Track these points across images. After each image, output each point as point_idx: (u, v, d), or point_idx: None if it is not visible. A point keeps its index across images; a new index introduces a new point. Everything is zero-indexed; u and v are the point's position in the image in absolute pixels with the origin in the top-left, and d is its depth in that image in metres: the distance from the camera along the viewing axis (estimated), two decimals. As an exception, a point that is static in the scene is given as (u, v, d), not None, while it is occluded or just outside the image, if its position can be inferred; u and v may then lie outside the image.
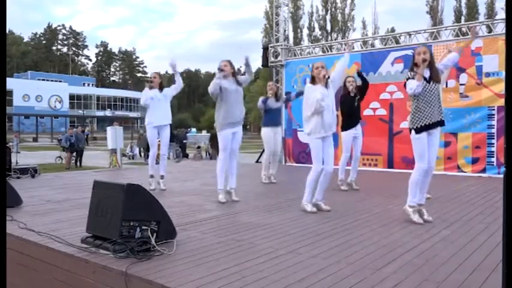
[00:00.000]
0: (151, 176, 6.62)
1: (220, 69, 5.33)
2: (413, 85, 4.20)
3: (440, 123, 4.31)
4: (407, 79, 4.29)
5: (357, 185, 6.60)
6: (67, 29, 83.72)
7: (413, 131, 4.30)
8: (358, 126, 6.52)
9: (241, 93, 5.52)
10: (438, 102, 4.27)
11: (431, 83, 4.26)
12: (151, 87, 6.46)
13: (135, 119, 61.28)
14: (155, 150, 6.64)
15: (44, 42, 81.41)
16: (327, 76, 4.81)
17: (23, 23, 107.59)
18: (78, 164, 16.51)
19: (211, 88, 5.31)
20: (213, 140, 17.34)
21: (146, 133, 6.67)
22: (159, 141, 6.70)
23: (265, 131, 7.41)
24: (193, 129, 28.17)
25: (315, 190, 4.94)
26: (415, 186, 4.37)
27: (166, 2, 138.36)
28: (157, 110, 6.46)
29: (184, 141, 20.90)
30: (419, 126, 4.25)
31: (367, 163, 9.58)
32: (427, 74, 4.27)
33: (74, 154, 16.57)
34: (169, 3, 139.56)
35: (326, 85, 4.84)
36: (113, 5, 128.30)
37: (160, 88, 6.54)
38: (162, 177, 6.61)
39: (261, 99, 7.42)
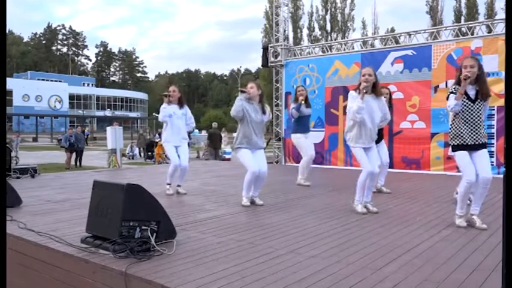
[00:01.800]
0: (169, 184, 6.32)
1: (242, 91, 5.25)
2: (452, 103, 3.99)
3: (478, 146, 4.02)
4: (450, 93, 4.08)
5: (387, 189, 6.41)
6: (67, 29, 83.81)
7: (450, 147, 4.24)
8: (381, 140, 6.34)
9: (262, 123, 5.39)
10: (479, 123, 4.02)
11: (477, 102, 3.99)
12: (169, 102, 6.10)
13: (135, 119, 61.28)
14: (176, 164, 6.14)
15: (43, 42, 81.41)
16: (368, 84, 4.70)
17: (23, 23, 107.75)
18: (78, 164, 16.50)
19: (233, 112, 5.24)
20: (211, 139, 17.42)
21: (164, 147, 6.32)
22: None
23: (298, 137, 7.25)
24: (196, 130, 28.35)
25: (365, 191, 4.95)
26: (461, 199, 4.20)
27: (166, 2, 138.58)
28: (176, 130, 6.13)
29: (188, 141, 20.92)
30: (453, 144, 4.14)
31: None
32: (472, 91, 4.02)
33: (74, 154, 16.56)
34: (169, 3, 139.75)
35: (377, 95, 4.83)
36: (113, 4, 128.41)
37: (180, 103, 6.20)
38: (179, 185, 6.31)
39: (293, 106, 7.11)
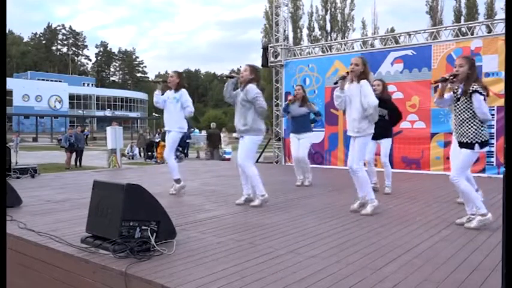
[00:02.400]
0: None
1: (230, 76, 5.25)
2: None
3: (460, 144, 4.01)
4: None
5: (389, 189, 6.42)
6: (67, 29, 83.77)
7: None
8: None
9: (243, 105, 5.17)
10: (460, 121, 3.98)
11: (461, 100, 3.98)
12: (167, 88, 6.06)
13: (135, 119, 61.24)
14: (172, 156, 6.18)
15: (43, 42, 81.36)
16: (352, 74, 4.71)
17: (23, 23, 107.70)
18: (78, 164, 16.50)
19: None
20: (210, 139, 17.48)
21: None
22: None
23: (290, 137, 7.32)
24: (196, 130, 28.48)
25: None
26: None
27: (167, 2, 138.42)
28: (167, 114, 6.12)
29: (188, 140, 20.99)
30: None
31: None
32: (460, 89, 4.03)
33: (74, 154, 16.55)
34: (170, 3, 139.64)
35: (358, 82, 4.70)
36: (113, 4, 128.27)
37: (177, 89, 6.06)
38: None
39: (282, 106, 7.21)
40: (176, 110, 6.08)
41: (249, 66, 5.28)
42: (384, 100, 5.90)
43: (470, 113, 3.91)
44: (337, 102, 4.83)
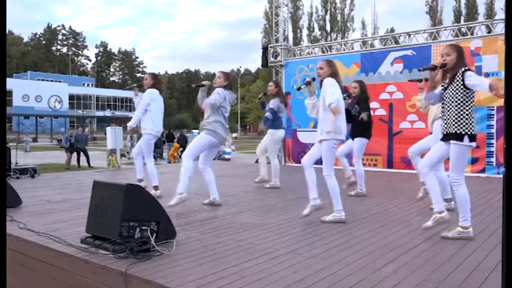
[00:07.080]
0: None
1: (199, 85, 5.23)
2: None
3: (448, 136, 3.62)
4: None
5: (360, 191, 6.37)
6: (66, 29, 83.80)
7: None
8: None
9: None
10: (448, 110, 3.62)
11: (448, 88, 3.64)
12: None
13: (135, 119, 61.15)
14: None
15: (43, 42, 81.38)
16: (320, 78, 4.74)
17: (23, 23, 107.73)
18: (87, 164, 16.37)
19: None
20: None
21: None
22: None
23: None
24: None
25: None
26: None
27: (168, 2, 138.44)
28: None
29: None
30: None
31: (366, 163, 9.56)
32: (447, 79, 3.70)
33: (81, 155, 16.48)
34: (171, 3, 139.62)
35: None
36: (115, 4, 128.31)
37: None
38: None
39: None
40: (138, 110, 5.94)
41: (222, 73, 5.36)
42: (363, 101, 6.22)
43: (459, 100, 3.55)
44: (309, 111, 4.74)
